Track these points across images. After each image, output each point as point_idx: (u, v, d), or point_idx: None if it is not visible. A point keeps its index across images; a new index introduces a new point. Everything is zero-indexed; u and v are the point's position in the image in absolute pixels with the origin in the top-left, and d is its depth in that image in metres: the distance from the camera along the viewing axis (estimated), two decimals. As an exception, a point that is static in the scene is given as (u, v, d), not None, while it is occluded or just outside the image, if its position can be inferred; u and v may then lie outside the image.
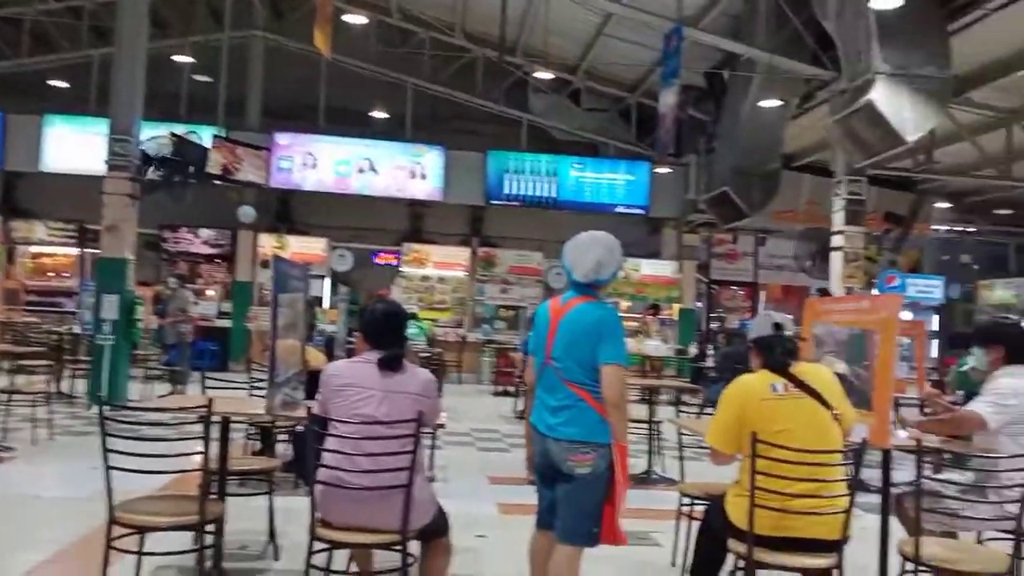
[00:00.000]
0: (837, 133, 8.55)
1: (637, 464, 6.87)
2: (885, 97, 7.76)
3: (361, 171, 14.20)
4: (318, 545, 3.12)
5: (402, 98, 14.56)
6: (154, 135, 10.03)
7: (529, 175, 14.51)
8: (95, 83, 13.35)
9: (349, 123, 14.51)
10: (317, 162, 14.12)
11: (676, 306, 15.19)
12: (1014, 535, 3.26)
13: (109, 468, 3.16)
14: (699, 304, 16.60)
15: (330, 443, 3.12)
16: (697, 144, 14.06)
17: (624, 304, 14.90)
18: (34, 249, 14.70)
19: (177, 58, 13.08)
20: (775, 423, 3.13)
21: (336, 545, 3.21)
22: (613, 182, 14.74)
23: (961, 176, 12.35)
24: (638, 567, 4.35)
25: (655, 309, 13.70)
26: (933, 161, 10.98)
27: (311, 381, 4.63)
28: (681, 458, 4.48)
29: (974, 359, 3.96)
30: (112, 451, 3.15)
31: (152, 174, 9.72)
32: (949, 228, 16.73)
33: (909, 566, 3.29)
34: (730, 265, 16.98)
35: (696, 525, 3.70)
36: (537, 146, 15.00)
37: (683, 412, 5.24)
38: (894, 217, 13.97)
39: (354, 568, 3.61)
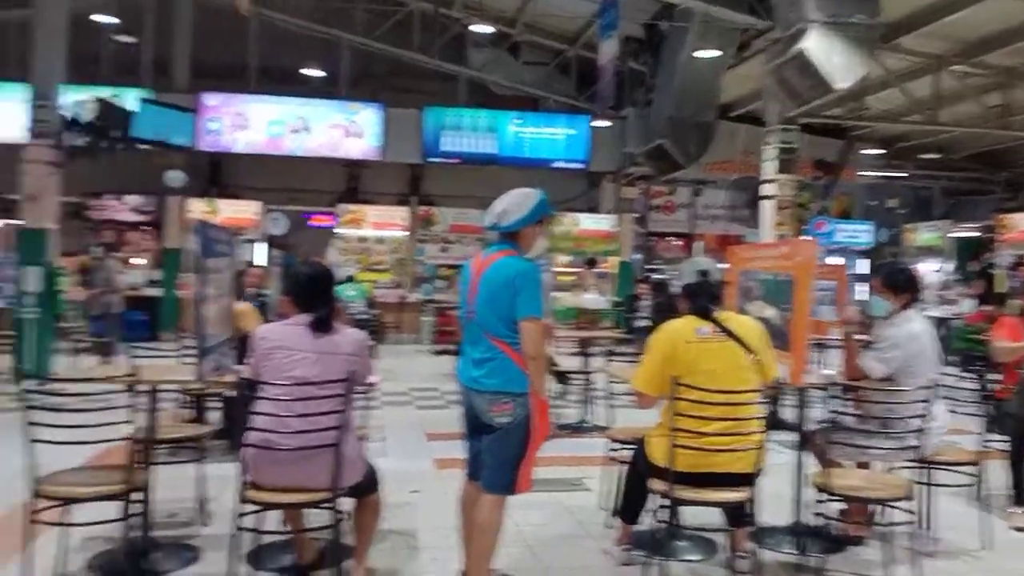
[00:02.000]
0: (770, 82, 8.67)
1: (571, 414, 7.04)
2: (816, 45, 7.88)
3: (295, 131, 13.93)
4: (248, 507, 3.14)
5: (336, 55, 14.24)
6: (77, 99, 9.65)
7: (468, 131, 14.42)
8: (13, 46, 12.72)
9: (281, 82, 14.15)
10: (248, 123, 13.80)
11: (614, 259, 15.39)
12: (917, 463, 3.46)
13: (33, 441, 3.12)
14: (637, 256, 16.84)
15: (261, 406, 3.12)
16: (635, 97, 14.10)
17: (564, 259, 15.03)
18: (-54, 222, 14.12)
19: (98, 17, 12.52)
20: (699, 364, 3.26)
21: (267, 506, 3.24)
22: (553, 137, 14.74)
23: (890, 122, 12.64)
24: (568, 512, 4.48)
25: (592, 262, 13.85)
26: (863, 108, 11.21)
27: (243, 346, 4.62)
28: (611, 405, 4.59)
29: (875, 306, 4.15)
30: (37, 424, 3.10)
31: (73, 140, 9.36)
32: (877, 174, 17.21)
33: (822, 496, 3.46)
34: (667, 216, 17.24)
35: (624, 469, 3.84)
36: (476, 101, 14.87)
37: (614, 361, 5.35)
38: (824, 164, 14.29)
39: (287, 528, 3.65)
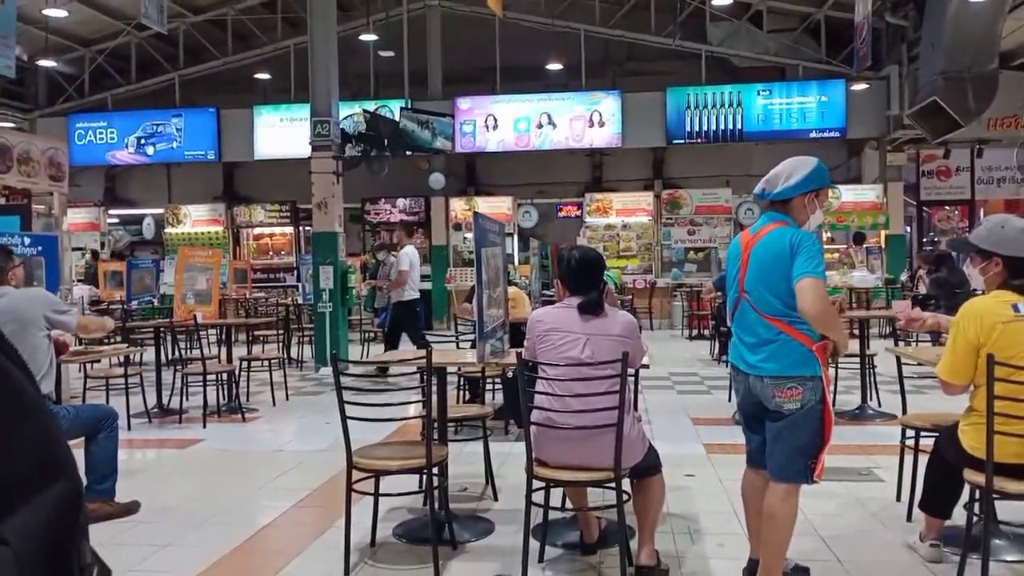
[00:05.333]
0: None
1: (850, 400, 6.58)
2: None
3: (540, 126, 14.34)
4: (535, 484, 3.26)
5: (575, 47, 14.47)
6: (349, 114, 10.66)
7: (711, 109, 13.98)
8: (293, 71, 14.41)
9: (525, 79, 14.66)
10: (498, 123, 14.42)
11: (883, 233, 14.15)
12: None
13: (346, 419, 3.46)
14: (908, 229, 15.36)
15: (540, 386, 3.24)
16: (898, 54, 12.89)
17: (825, 235, 14.08)
18: (256, 231, 16.26)
19: (363, 37, 13.77)
20: (1017, 346, 2.89)
21: (552, 483, 3.36)
22: (804, 105, 13.87)
23: None
24: (862, 503, 4.18)
25: (859, 238, 12.84)
26: None
27: (513, 332, 4.84)
28: (902, 390, 4.22)
29: None
30: (349, 403, 3.44)
31: (351, 151, 10.35)
32: None
33: None
34: (942, 183, 15.51)
35: (923, 459, 3.51)
36: (717, 78, 14.40)
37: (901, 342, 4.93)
38: None
39: (569, 505, 3.76)
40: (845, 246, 12.90)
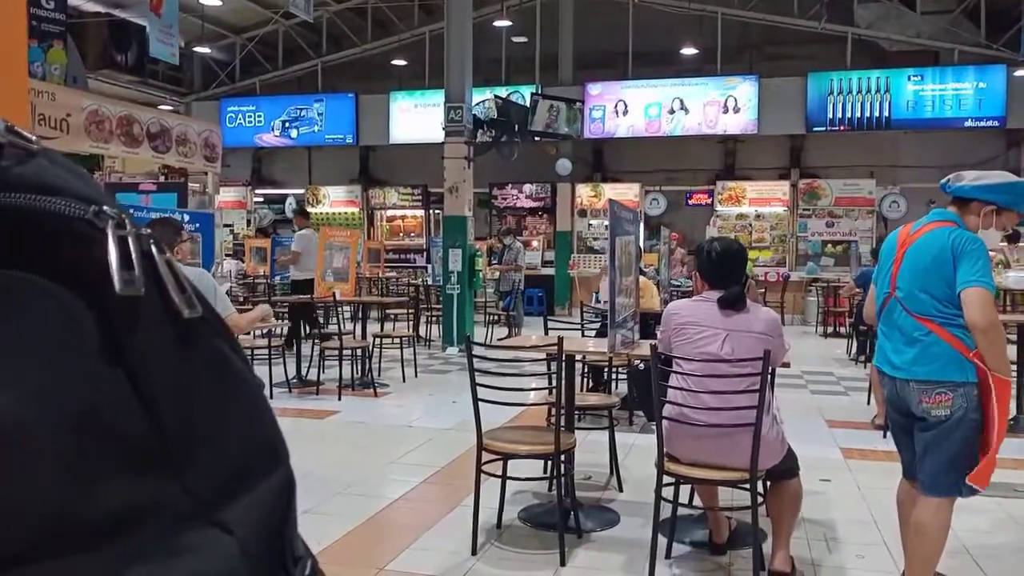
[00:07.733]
0: None
1: (1005, 410, 6.13)
2: None
3: (672, 112, 14.04)
4: (664, 479, 3.23)
5: (710, 31, 14.06)
6: (481, 99, 10.79)
7: (856, 95, 13.27)
8: (428, 58, 14.72)
9: (657, 64, 14.38)
10: (628, 108, 14.23)
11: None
12: None
13: (478, 401, 3.53)
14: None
15: (673, 380, 3.19)
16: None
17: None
18: (389, 213, 16.79)
19: (497, 23, 13.87)
20: None
21: (682, 480, 3.31)
22: (959, 92, 12.94)
23: None
24: (1016, 521, 3.89)
25: (1015, 236, 11.87)
26: None
27: (641, 323, 4.78)
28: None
29: None
30: (482, 385, 3.51)
31: (481, 136, 10.49)
32: None
33: None
34: (1120, 177, 14.13)
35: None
36: (863, 62, 13.63)
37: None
38: None
39: (697, 502, 3.69)
40: (1002, 244, 11.95)
